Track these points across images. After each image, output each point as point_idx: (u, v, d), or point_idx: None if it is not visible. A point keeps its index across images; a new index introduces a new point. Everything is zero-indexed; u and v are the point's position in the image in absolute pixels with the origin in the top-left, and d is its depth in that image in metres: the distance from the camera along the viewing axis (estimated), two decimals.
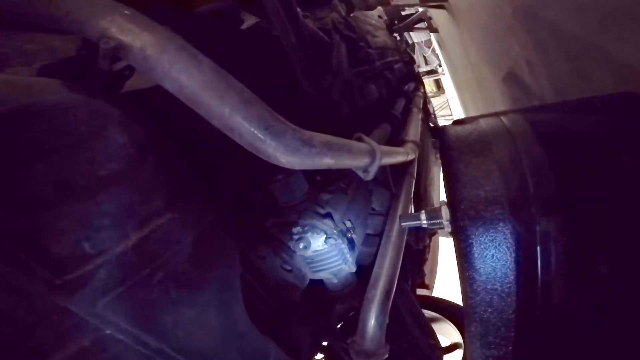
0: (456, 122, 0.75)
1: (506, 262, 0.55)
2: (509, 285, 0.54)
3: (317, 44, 1.42)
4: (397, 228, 1.05)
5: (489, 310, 0.56)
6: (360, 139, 0.88)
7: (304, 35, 1.27)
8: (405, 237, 1.08)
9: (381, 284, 1.02)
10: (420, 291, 1.93)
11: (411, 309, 1.48)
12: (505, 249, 0.55)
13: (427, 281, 1.98)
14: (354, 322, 1.40)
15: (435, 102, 6.96)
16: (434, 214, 0.67)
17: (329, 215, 0.99)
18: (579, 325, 0.53)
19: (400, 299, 1.38)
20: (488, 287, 0.55)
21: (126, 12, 0.53)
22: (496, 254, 0.55)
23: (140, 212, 0.48)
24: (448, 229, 0.65)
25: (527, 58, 1.67)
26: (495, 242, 0.56)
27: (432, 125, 2.88)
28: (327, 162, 0.69)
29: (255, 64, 1.23)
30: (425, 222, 0.69)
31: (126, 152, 0.47)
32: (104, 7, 0.53)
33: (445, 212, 0.64)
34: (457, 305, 1.82)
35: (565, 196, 0.55)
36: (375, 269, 1.03)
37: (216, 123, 0.54)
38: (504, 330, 0.55)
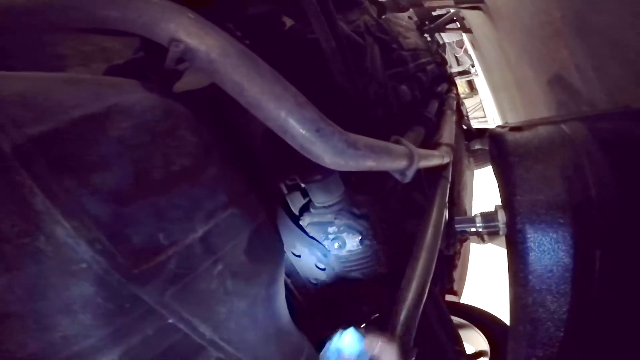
0: (513, 129, 0.75)
1: (564, 264, 0.55)
2: (564, 287, 0.55)
3: (352, 47, 1.44)
4: (431, 231, 1.05)
5: (540, 310, 0.56)
6: (398, 142, 0.89)
7: (342, 38, 1.29)
8: (439, 242, 1.07)
9: (413, 287, 1.02)
10: (449, 297, 1.91)
11: (439, 314, 1.47)
12: (564, 252, 0.56)
13: (455, 287, 1.96)
14: (377, 324, 1.41)
15: (468, 104, 6.80)
16: (489, 217, 0.68)
17: (364, 216, 1.00)
18: (634, 332, 0.53)
19: (428, 303, 1.38)
20: (543, 287, 0.56)
21: (191, 15, 0.57)
22: (554, 257, 0.56)
23: (206, 206, 0.51)
24: (503, 232, 0.65)
25: (576, 63, 1.63)
26: (554, 245, 0.56)
27: (465, 127, 2.82)
28: (369, 164, 0.70)
29: (293, 67, 1.26)
30: (479, 225, 0.70)
31: (195, 150, 0.51)
32: (172, 11, 0.56)
33: (501, 216, 0.65)
34: (486, 313, 1.79)
35: (627, 203, 0.55)
36: (408, 272, 1.04)
37: (271, 125, 0.57)
38: (554, 330, 0.56)
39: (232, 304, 0.58)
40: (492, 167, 0.80)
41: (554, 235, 0.57)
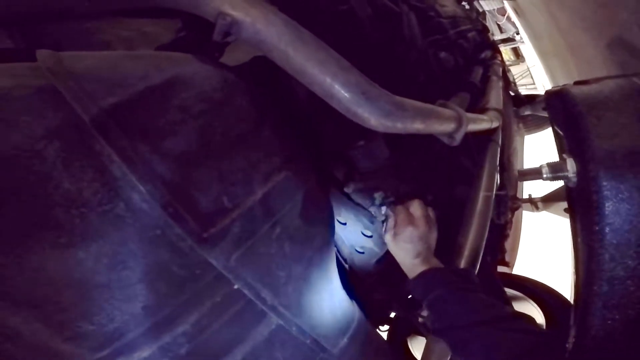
0: (578, 83, 0.69)
1: None
2: None
3: (388, 15, 1.40)
4: (482, 197, 1.01)
5: (619, 267, 0.52)
6: (444, 106, 0.86)
7: (377, 6, 1.26)
8: (491, 208, 1.04)
9: (465, 254, 1.00)
10: (501, 269, 1.85)
11: (491, 285, 1.44)
12: None
13: (507, 258, 1.89)
14: None
15: (515, 71, 6.45)
16: (557, 167, 0.64)
17: (411, 181, 0.99)
18: None
19: (480, 274, 1.35)
20: (621, 241, 0.52)
21: None
22: (634, 207, 0.52)
23: (263, 169, 0.53)
24: (572, 182, 0.61)
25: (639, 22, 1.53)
26: (634, 193, 0.52)
27: (513, 93, 2.67)
28: (417, 126, 0.69)
29: (329, 38, 1.24)
30: (546, 175, 0.66)
31: (250, 115, 0.53)
32: None
33: (571, 165, 0.61)
34: (541, 285, 1.72)
35: None
36: (459, 239, 1.01)
37: (317, 90, 0.58)
38: (634, 289, 0.52)
39: (290, 268, 0.59)
40: (554, 125, 0.75)
41: (634, 182, 0.52)
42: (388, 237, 0.89)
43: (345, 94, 0.57)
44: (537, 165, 0.70)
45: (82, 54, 0.46)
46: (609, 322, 0.55)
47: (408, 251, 0.85)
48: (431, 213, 0.91)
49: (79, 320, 0.43)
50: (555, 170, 0.64)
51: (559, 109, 0.66)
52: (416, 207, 0.88)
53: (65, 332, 0.43)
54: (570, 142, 0.63)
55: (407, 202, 0.90)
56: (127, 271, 0.44)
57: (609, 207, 0.54)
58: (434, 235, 0.89)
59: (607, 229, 0.53)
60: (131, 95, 0.43)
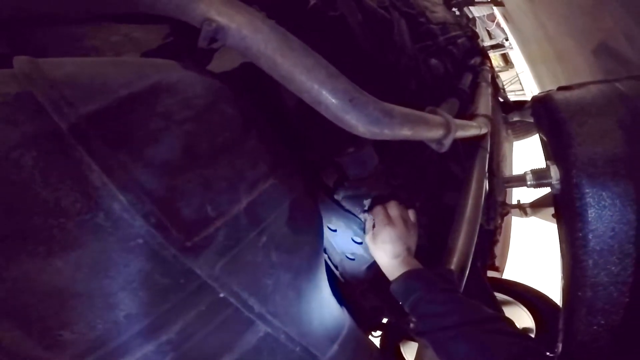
0: (562, 88, 0.70)
1: (627, 221, 0.51)
2: (628, 247, 0.51)
3: (378, 21, 1.41)
4: (471, 203, 1.02)
5: (602, 273, 0.53)
6: (434, 112, 0.86)
7: (368, 12, 1.26)
8: (480, 214, 1.04)
9: (455, 261, 1.00)
10: (490, 273, 1.86)
11: (482, 290, 1.44)
12: (628, 207, 0.52)
13: (497, 263, 1.90)
14: None
15: (504, 77, 6.56)
16: (541, 174, 0.64)
17: (400, 188, 0.99)
18: None
19: (470, 279, 1.35)
20: (604, 248, 0.53)
21: None
22: (616, 213, 0.52)
23: (249, 177, 0.52)
24: (556, 189, 0.62)
25: (624, 30, 1.57)
26: (616, 200, 0.52)
27: (502, 100, 2.71)
28: (405, 133, 0.69)
29: (319, 44, 1.24)
30: (530, 182, 0.66)
31: (235, 123, 0.52)
32: None
33: (554, 172, 0.62)
34: (530, 289, 1.73)
35: None
36: (449, 245, 1.02)
37: (305, 97, 0.57)
38: (617, 295, 0.52)
39: (278, 276, 0.59)
40: (539, 131, 0.76)
41: (615, 189, 0.53)
42: (368, 239, 0.89)
43: (333, 101, 0.57)
44: (522, 173, 0.71)
45: (62, 60, 0.46)
46: (594, 327, 0.55)
47: (387, 251, 0.85)
48: (412, 215, 0.91)
49: (60, 328, 0.42)
50: (540, 178, 0.65)
51: (543, 116, 0.67)
52: (393, 208, 0.89)
53: (45, 340, 0.42)
54: (554, 148, 0.63)
55: (385, 203, 0.90)
56: (108, 280, 0.43)
57: (591, 213, 0.54)
58: (414, 238, 0.89)
59: (590, 236, 0.54)
60: (112, 102, 0.42)
